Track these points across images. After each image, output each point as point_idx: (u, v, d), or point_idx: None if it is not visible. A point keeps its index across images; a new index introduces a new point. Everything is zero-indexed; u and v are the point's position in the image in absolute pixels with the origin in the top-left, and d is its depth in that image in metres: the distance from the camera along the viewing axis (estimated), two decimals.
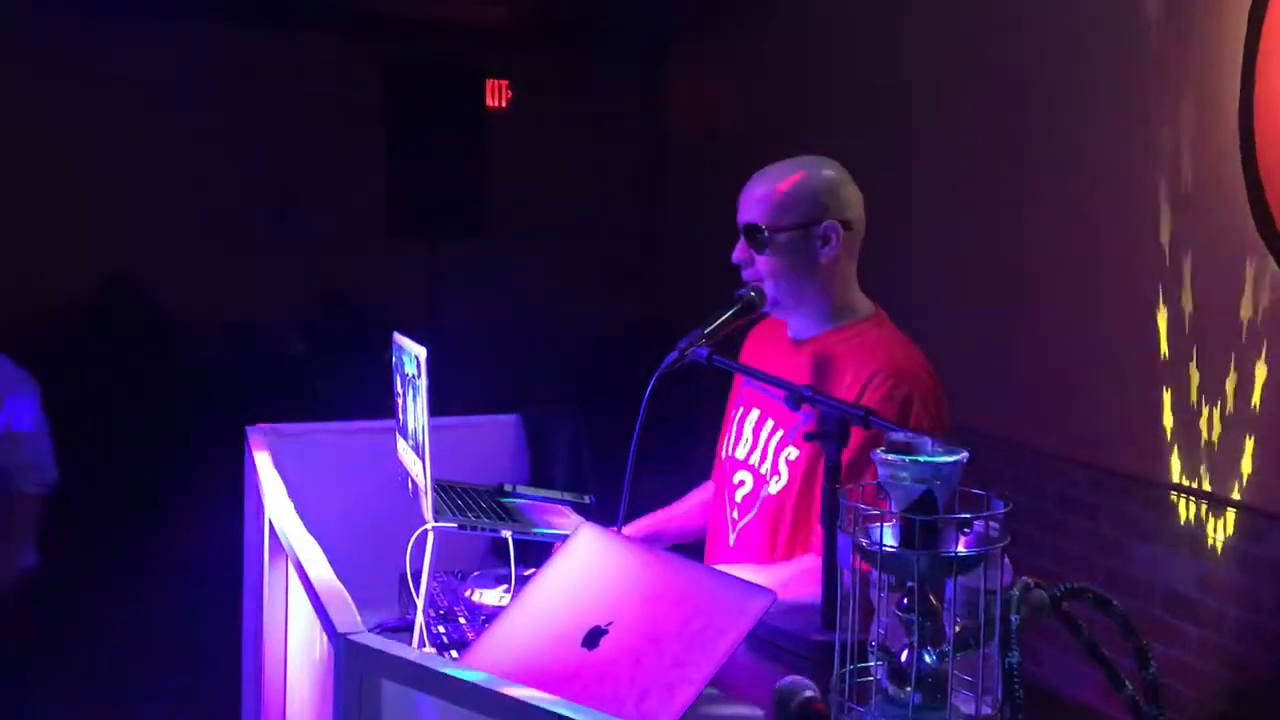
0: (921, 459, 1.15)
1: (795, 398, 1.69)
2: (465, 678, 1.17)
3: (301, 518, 1.79)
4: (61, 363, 5.89)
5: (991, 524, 1.19)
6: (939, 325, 3.94)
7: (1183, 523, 3.13)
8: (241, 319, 6.02)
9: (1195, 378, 3.11)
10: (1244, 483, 2.96)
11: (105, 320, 5.94)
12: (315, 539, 1.65)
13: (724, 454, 2.15)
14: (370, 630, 1.89)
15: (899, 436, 1.21)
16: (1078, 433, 3.51)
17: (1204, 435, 3.08)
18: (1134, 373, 3.31)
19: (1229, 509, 3.00)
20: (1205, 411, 3.08)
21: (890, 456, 1.17)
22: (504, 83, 6.63)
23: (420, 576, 1.84)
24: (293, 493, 2.12)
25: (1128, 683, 1.26)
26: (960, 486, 1.24)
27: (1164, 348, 3.21)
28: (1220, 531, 3.02)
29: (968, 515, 1.15)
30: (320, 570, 1.46)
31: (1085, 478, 3.46)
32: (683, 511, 2.29)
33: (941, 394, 1.94)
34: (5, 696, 3.80)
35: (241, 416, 2.48)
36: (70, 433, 5.85)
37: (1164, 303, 3.21)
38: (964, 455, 1.18)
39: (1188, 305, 3.14)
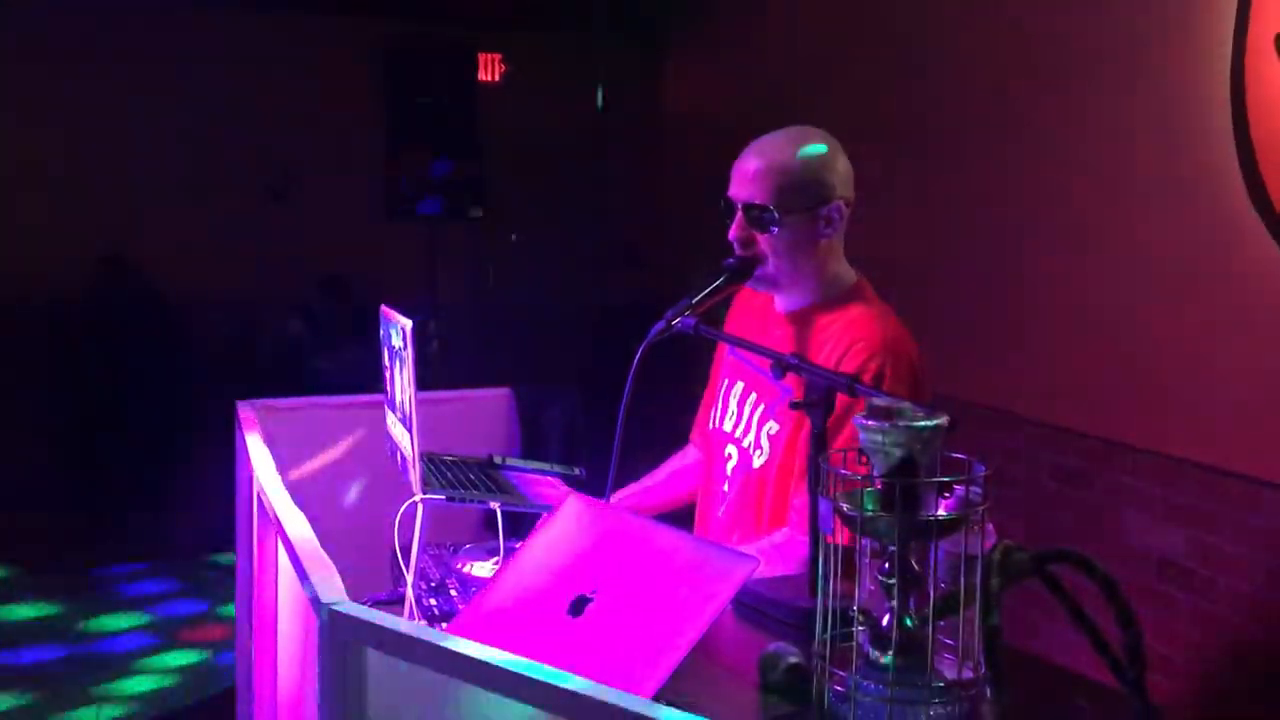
0: (901, 424, 1.15)
1: (780, 366, 1.69)
2: (450, 646, 1.18)
3: (294, 492, 1.79)
4: (60, 345, 5.91)
5: (973, 488, 1.19)
6: (936, 295, 3.96)
7: (1177, 492, 3.14)
8: (240, 300, 6.01)
9: (1190, 347, 3.11)
10: (1239, 451, 2.96)
11: (103, 302, 5.93)
12: (308, 513, 1.65)
13: (712, 425, 2.15)
14: (362, 603, 1.91)
15: (881, 402, 1.21)
16: (1072, 402, 3.51)
17: (1199, 404, 3.08)
18: (1129, 342, 3.31)
19: (1223, 478, 3.00)
20: (1200, 380, 3.07)
21: (871, 422, 1.17)
22: (497, 56, 6.60)
23: (411, 549, 1.84)
24: (285, 467, 2.12)
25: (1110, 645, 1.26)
26: (944, 452, 1.25)
27: (1158, 317, 3.21)
28: (1214, 500, 3.02)
29: (946, 479, 1.15)
30: (305, 540, 1.46)
31: (1080, 447, 3.47)
32: (658, 482, 2.29)
33: (919, 365, 1.93)
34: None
35: (241, 398, 2.48)
36: (69, 414, 5.90)
37: (1160, 272, 3.21)
38: (944, 420, 1.18)
39: (1183, 275, 3.13)
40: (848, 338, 1.91)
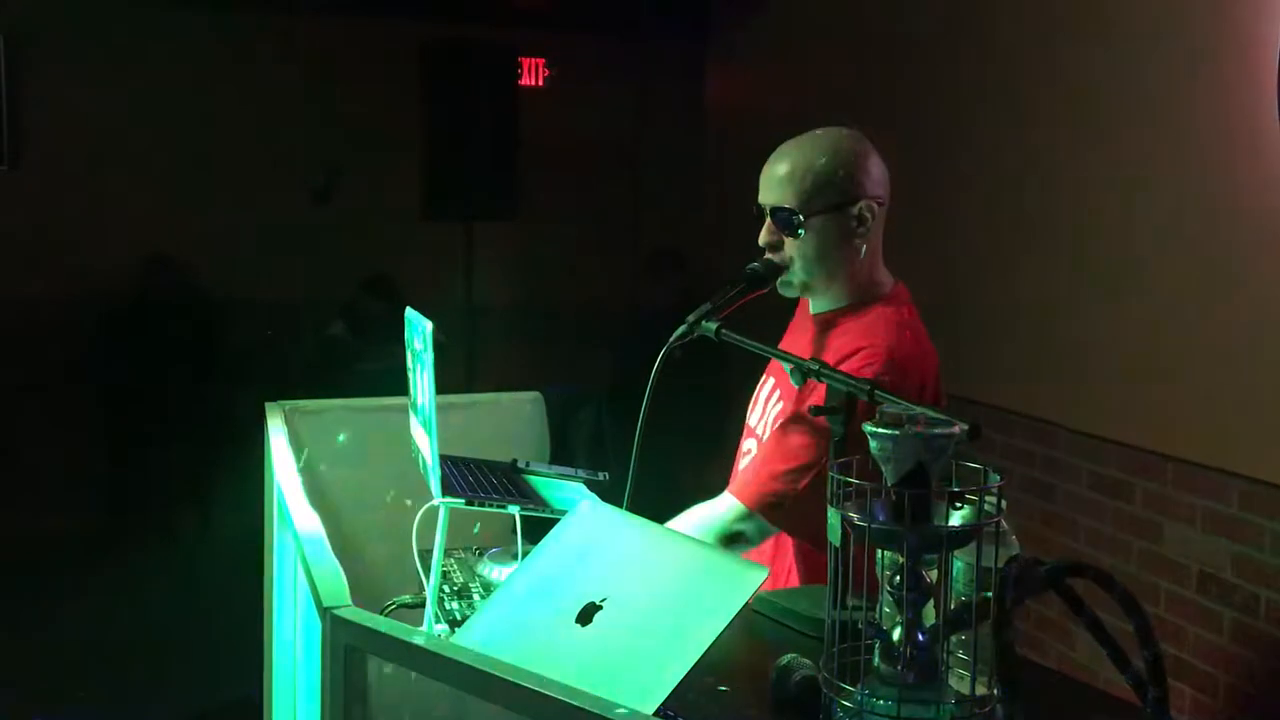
0: (912, 432, 1.12)
1: (799, 372, 1.67)
2: (452, 655, 1.16)
3: (321, 494, 1.79)
4: (105, 344, 5.98)
5: (988, 498, 1.16)
6: (973, 303, 3.90)
7: (1217, 503, 3.06)
8: (281, 301, 6.06)
9: (1234, 357, 3.03)
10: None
11: (148, 302, 6.00)
12: (337, 515, 1.64)
13: (746, 420, 2.15)
14: (386, 607, 1.90)
15: (893, 410, 1.18)
16: (1110, 412, 3.44)
17: (1242, 415, 3.00)
18: (1170, 351, 3.24)
19: (1267, 489, 2.93)
20: (1240, 391, 3.00)
21: (880, 430, 1.14)
22: (540, 61, 6.60)
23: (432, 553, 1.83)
24: (314, 470, 2.13)
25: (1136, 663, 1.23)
26: (963, 461, 1.21)
27: (1201, 325, 3.14)
28: (1255, 512, 2.94)
29: (957, 489, 1.12)
30: (314, 542, 1.45)
31: (1118, 457, 3.40)
32: None
33: (926, 379, 1.90)
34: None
35: (279, 399, 2.49)
36: (112, 412, 5.97)
37: (1200, 282, 3.14)
38: (957, 428, 1.14)
39: (1225, 284, 3.06)
40: (853, 344, 1.89)
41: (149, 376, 5.84)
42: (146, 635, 4.39)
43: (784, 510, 1.88)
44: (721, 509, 1.93)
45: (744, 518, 1.90)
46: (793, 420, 1.92)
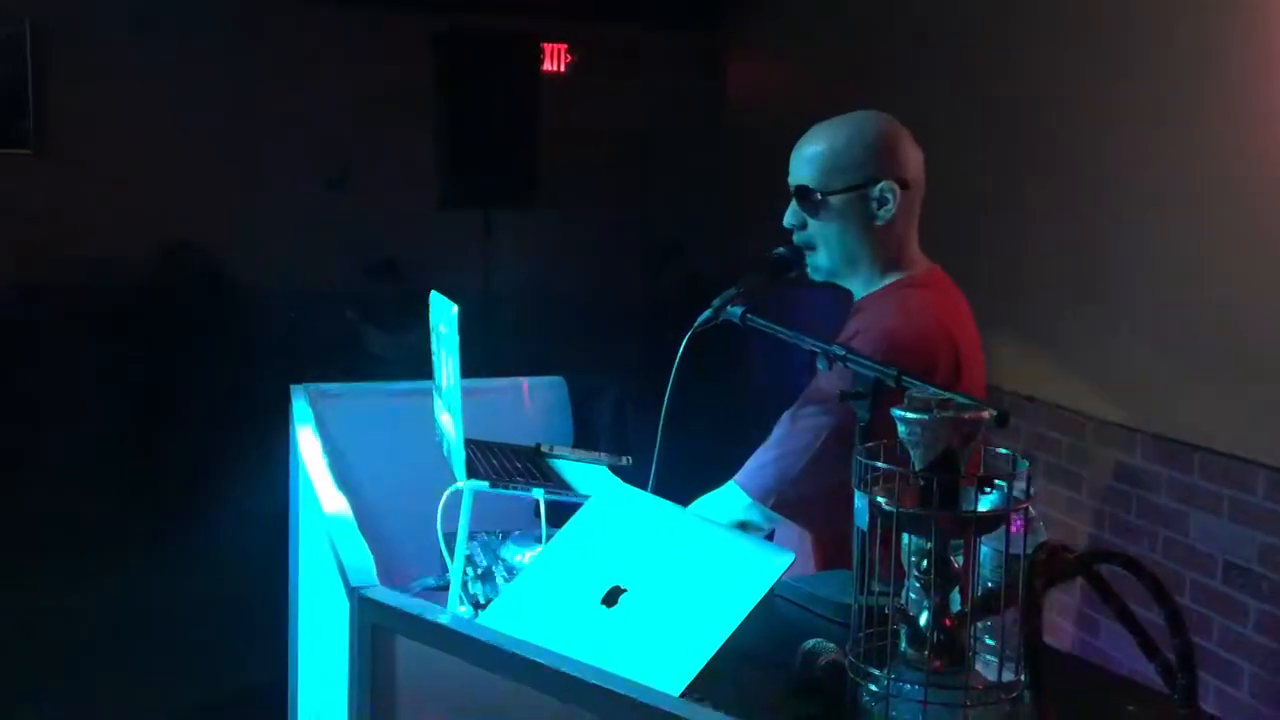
0: (941, 416, 1.11)
1: (827, 358, 1.66)
2: (480, 636, 1.16)
3: (346, 476, 1.80)
4: (129, 330, 6.02)
5: (1016, 484, 1.15)
6: (1000, 292, 3.88)
7: (1244, 493, 3.04)
8: (300, 288, 6.09)
9: (1259, 344, 3.01)
10: None
11: (168, 288, 6.04)
12: (361, 498, 1.65)
13: None
14: (411, 589, 1.91)
15: (921, 394, 1.18)
16: (1137, 400, 3.42)
17: (1267, 404, 2.98)
18: (1198, 340, 3.21)
19: None
20: (1269, 380, 2.97)
21: (910, 414, 1.13)
22: (562, 46, 6.59)
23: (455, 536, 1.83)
24: (338, 452, 2.13)
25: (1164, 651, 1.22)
26: (989, 446, 1.21)
27: (1228, 314, 3.11)
28: None
29: (985, 474, 1.11)
30: (342, 523, 1.46)
31: (1143, 446, 3.38)
32: None
33: (935, 369, 1.84)
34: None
35: (298, 383, 2.50)
36: (132, 398, 6.01)
37: (1230, 270, 3.11)
38: (987, 413, 1.14)
39: (1255, 272, 3.03)
40: (856, 327, 1.88)
41: (173, 362, 5.88)
42: (173, 617, 4.43)
43: (785, 499, 1.87)
44: (728, 499, 1.93)
45: (749, 507, 1.90)
46: (799, 407, 1.91)
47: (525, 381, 2.73)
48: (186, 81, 6.06)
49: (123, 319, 5.99)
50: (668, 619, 1.30)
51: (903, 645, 1.19)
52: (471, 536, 1.96)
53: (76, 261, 5.93)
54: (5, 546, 5.02)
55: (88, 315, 5.90)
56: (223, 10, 6.06)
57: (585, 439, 2.65)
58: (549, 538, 1.86)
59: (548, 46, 6.34)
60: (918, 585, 1.18)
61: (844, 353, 1.66)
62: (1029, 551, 1.16)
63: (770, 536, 1.97)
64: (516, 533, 2.11)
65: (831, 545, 1.92)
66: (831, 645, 1.37)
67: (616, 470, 2.10)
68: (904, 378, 1.54)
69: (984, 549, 1.25)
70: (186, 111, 6.07)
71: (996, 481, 1.14)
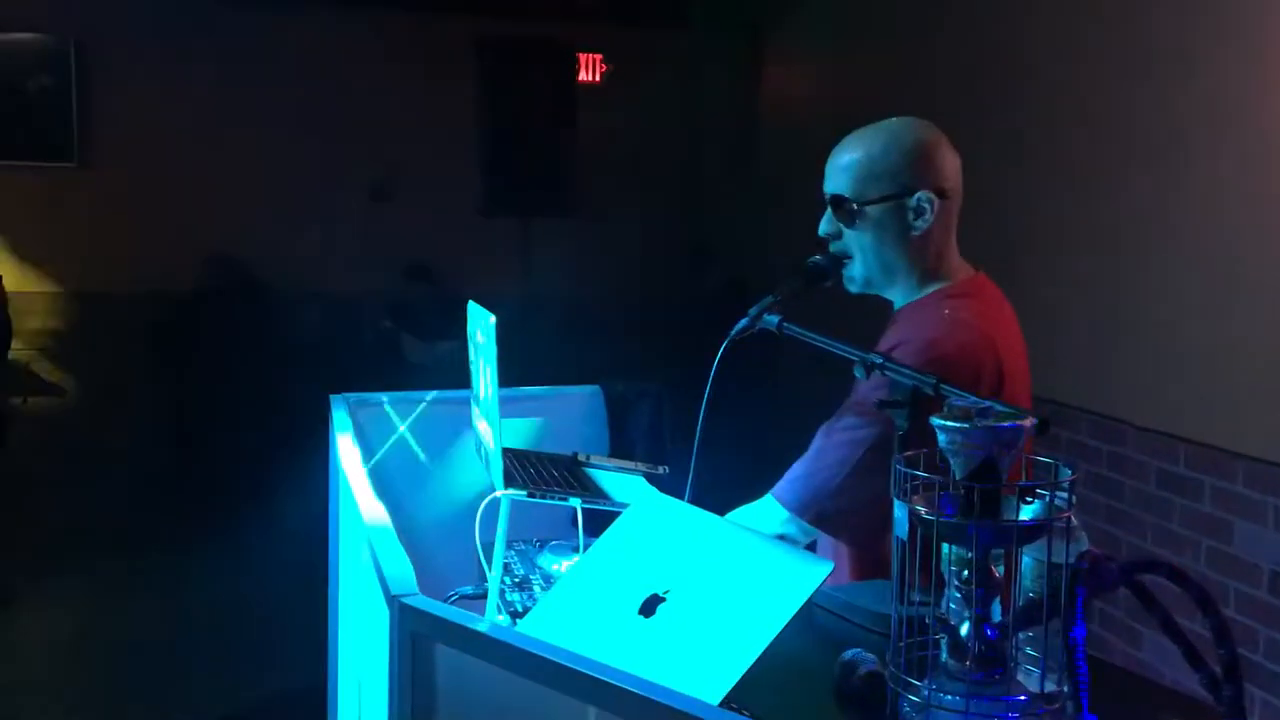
0: (981, 425, 1.10)
1: (865, 366, 1.65)
2: (519, 644, 1.17)
3: (384, 485, 1.81)
4: (169, 339, 6.09)
5: (1058, 493, 1.14)
6: (1040, 299, 3.84)
7: None
8: (341, 297, 6.14)
9: None
10: None
11: (207, 298, 6.10)
12: (399, 506, 1.66)
13: None
14: (449, 597, 1.92)
15: (961, 403, 1.17)
16: (1179, 408, 3.38)
17: None
18: (1236, 348, 3.17)
19: None
20: None
21: (950, 423, 1.12)
22: (598, 56, 6.62)
23: (493, 545, 1.84)
24: (377, 461, 2.15)
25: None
26: (1031, 455, 1.20)
27: (1271, 322, 3.07)
28: None
29: (1027, 483, 1.10)
30: (382, 532, 1.47)
31: (1186, 454, 3.33)
32: None
33: (980, 377, 1.81)
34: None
35: (339, 392, 2.52)
36: (174, 406, 6.07)
37: (1273, 275, 3.07)
38: (1028, 422, 1.13)
39: None
40: (897, 337, 1.85)
41: (212, 370, 5.94)
42: (213, 623, 4.47)
43: (824, 513, 1.85)
44: (765, 512, 1.91)
45: (787, 520, 1.88)
46: (836, 419, 1.89)
47: (561, 391, 2.73)
48: (226, 92, 6.13)
49: (163, 328, 6.06)
50: (706, 628, 1.30)
51: (944, 656, 1.18)
52: (509, 545, 1.96)
53: (119, 271, 6.01)
54: (48, 553, 5.09)
55: (129, 324, 5.98)
56: (262, 21, 6.13)
57: (622, 447, 2.65)
58: (586, 547, 1.86)
59: (583, 56, 6.37)
60: (958, 595, 1.17)
61: (882, 360, 1.65)
62: (1071, 561, 1.15)
63: (811, 548, 1.96)
64: (554, 541, 2.11)
65: (869, 557, 1.90)
66: (871, 656, 1.36)
67: (653, 479, 2.10)
68: (943, 386, 1.53)
69: (1025, 559, 1.24)
70: (227, 122, 6.14)
71: (1038, 490, 1.13)
